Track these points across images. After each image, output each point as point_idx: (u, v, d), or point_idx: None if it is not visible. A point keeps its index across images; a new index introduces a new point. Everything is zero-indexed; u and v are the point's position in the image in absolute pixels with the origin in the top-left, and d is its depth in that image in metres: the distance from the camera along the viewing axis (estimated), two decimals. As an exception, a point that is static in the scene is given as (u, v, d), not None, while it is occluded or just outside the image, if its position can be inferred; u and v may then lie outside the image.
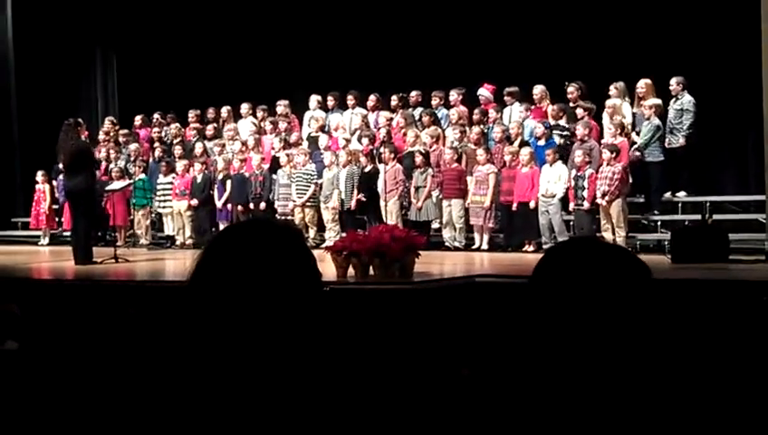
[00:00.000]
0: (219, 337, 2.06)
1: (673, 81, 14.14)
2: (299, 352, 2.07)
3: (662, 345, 2.36)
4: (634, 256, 2.44)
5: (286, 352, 2.06)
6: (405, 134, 15.42)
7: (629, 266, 2.43)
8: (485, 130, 15.17)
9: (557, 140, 14.40)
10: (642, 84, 14.40)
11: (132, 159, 17.59)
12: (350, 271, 9.95)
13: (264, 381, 2.03)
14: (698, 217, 13.21)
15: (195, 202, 16.46)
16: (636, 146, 14.03)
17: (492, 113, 15.35)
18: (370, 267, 9.94)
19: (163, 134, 18.23)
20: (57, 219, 18.17)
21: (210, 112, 18.10)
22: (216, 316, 2.08)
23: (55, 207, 18.16)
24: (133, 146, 17.86)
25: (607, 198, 13.25)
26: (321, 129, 16.48)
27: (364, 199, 15.11)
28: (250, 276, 2.11)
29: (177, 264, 14.28)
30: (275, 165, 16.18)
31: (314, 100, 17.24)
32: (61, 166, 14.78)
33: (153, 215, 17.34)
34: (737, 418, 2.47)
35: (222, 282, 2.12)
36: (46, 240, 18.29)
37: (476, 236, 14.60)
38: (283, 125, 16.88)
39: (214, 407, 2.01)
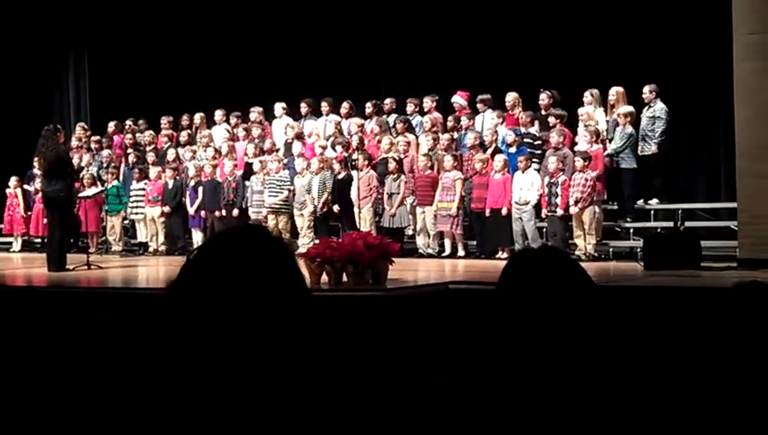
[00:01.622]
0: (204, 345, 2.05)
1: (646, 88, 14.20)
2: (286, 360, 2.07)
3: (622, 349, 2.40)
4: (577, 264, 2.52)
5: (273, 359, 2.06)
6: (379, 141, 15.42)
7: (577, 274, 2.47)
8: (457, 137, 15.20)
9: (528, 148, 14.46)
10: (614, 92, 14.47)
11: (105, 165, 17.54)
12: (324, 278, 9.94)
13: (250, 387, 2.03)
14: (670, 224, 13.27)
15: (167, 209, 16.40)
16: (607, 152, 14.09)
17: (464, 120, 15.37)
18: (344, 274, 9.93)
19: (136, 140, 18.15)
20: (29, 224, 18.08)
21: (184, 119, 18.02)
22: (202, 323, 2.07)
23: (29, 213, 18.04)
24: (105, 152, 17.81)
25: (579, 205, 13.29)
26: (298, 136, 16.44)
27: (337, 210, 15.13)
28: (238, 284, 2.10)
29: (150, 270, 14.24)
30: (248, 172, 16.16)
31: (279, 107, 17.20)
32: (37, 171, 14.69)
33: (126, 221, 17.27)
34: (705, 420, 2.49)
35: (208, 289, 2.10)
36: (18, 246, 18.19)
37: (446, 242, 14.60)
38: (256, 132, 16.84)
39: (197, 413, 2.00)
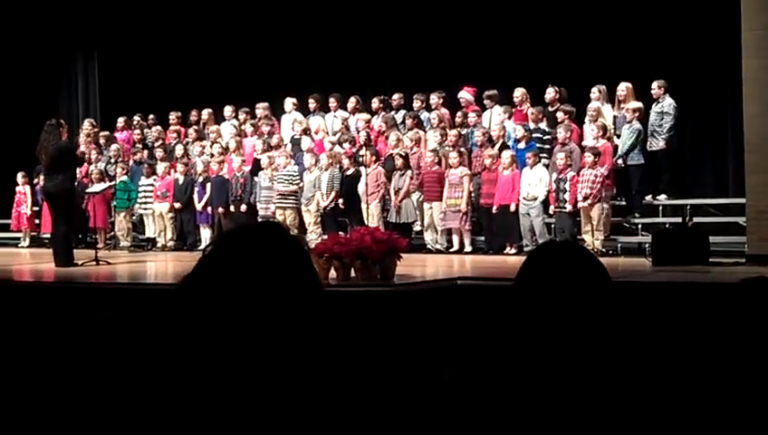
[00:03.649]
0: (218, 339, 2.05)
1: (655, 84, 14.19)
2: (299, 355, 2.07)
3: (633, 346, 2.39)
4: (597, 259, 2.51)
5: (286, 355, 2.06)
6: (387, 137, 15.43)
7: (599, 270, 2.47)
8: (465, 133, 15.19)
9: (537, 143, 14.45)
10: (623, 87, 14.46)
11: (113, 160, 17.55)
12: (332, 273, 9.94)
13: (262, 382, 2.03)
14: (679, 219, 13.26)
15: (179, 205, 16.42)
16: (619, 154, 14.06)
17: (472, 116, 15.36)
18: (352, 270, 9.93)
19: (144, 136, 18.17)
20: (37, 221, 18.10)
21: (193, 115, 18.03)
22: (216, 318, 2.07)
23: (36, 208, 18.08)
24: (114, 147, 17.82)
25: (588, 200, 13.29)
26: (305, 131, 16.45)
27: (342, 207, 15.17)
28: (253, 279, 2.10)
29: (159, 266, 14.24)
30: (256, 167, 16.15)
31: (289, 102, 17.21)
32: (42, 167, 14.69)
33: (134, 217, 17.29)
34: (713, 416, 2.49)
35: (222, 285, 2.11)
36: (26, 242, 18.22)
37: (455, 238, 14.61)
38: (266, 128, 16.85)
39: (209, 409, 2.01)
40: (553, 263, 2.48)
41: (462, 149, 14.72)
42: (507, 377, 2.33)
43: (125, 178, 17.01)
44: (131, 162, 17.64)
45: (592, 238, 13.29)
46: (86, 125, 18.84)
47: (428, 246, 14.68)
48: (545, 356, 2.33)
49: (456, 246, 14.58)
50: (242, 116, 17.54)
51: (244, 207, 15.91)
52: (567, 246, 2.64)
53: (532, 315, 2.40)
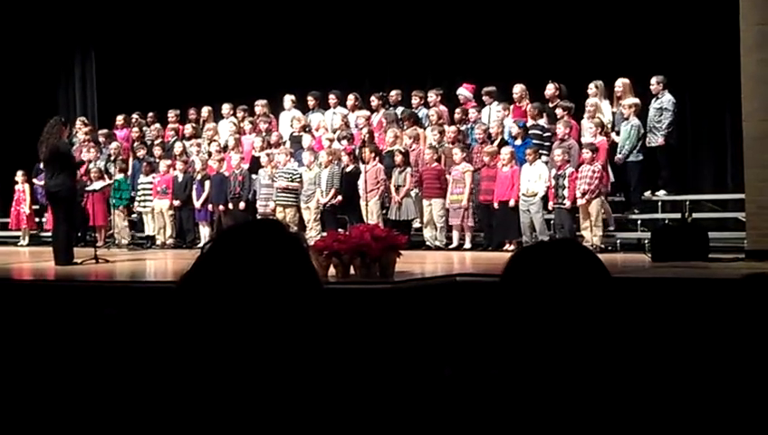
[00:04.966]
0: (217, 337, 2.05)
1: (653, 80, 14.18)
2: (297, 353, 2.07)
3: (632, 342, 2.39)
4: (595, 256, 2.49)
5: (285, 353, 2.06)
6: (385, 133, 15.43)
7: (592, 266, 2.45)
8: (464, 130, 15.18)
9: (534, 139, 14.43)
10: (620, 84, 14.44)
11: (112, 158, 17.51)
12: (331, 270, 9.94)
13: (262, 380, 2.04)
14: (678, 215, 13.26)
15: (178, 202, 16.40)
16: (623, 152, 14.02)
17: (472, 112, 15.35)
18: (351, 267, 9.93)
19: (143, 134, 18.13)
20: (37, 220, 18.10)
21: (191, 113, 18.01)
22: (215, 316, 2.07)
23: (35, 207, 18.07)
24: (114, 145, 17.77)
25: (587, 196, 13.29)
26: (304, 129, 16.44)
27: (339, 203, 15.16)
28: (251, 277, 2.11)
29: (158, 264, 14.24)
30: (255, 165, 16.14)
31: (288, 100, 17.20)
32: (41, 164, 14.67)
33: (133, 215, 17.25)
34: (713, 414, 2.49)
35: (221, 283, 2.11)
36: (26, 241, 18.21)
37: (455, 234, 14.61)
38: (264, 125, 16.84)
39: (208, 406, 2.01)
40: (550, 260, 2.47)
41: (464, 145, 14.73)
42: (507, 373, 2.33)
43: (120, 176, 16.96)
44: (133, 160, 17.61)
45: (591, 234, 13.29)
46: (78, 124, 18.68)
47: (428, 243, 14.67)
48: (545, 353, 2.33)
49: (455, 243, 14.57)
50: (240, 114, 17.50)
51: (242, 205, 15.90)
52: (564, 243, 2.63)
53: (531, 312, 2.40)
